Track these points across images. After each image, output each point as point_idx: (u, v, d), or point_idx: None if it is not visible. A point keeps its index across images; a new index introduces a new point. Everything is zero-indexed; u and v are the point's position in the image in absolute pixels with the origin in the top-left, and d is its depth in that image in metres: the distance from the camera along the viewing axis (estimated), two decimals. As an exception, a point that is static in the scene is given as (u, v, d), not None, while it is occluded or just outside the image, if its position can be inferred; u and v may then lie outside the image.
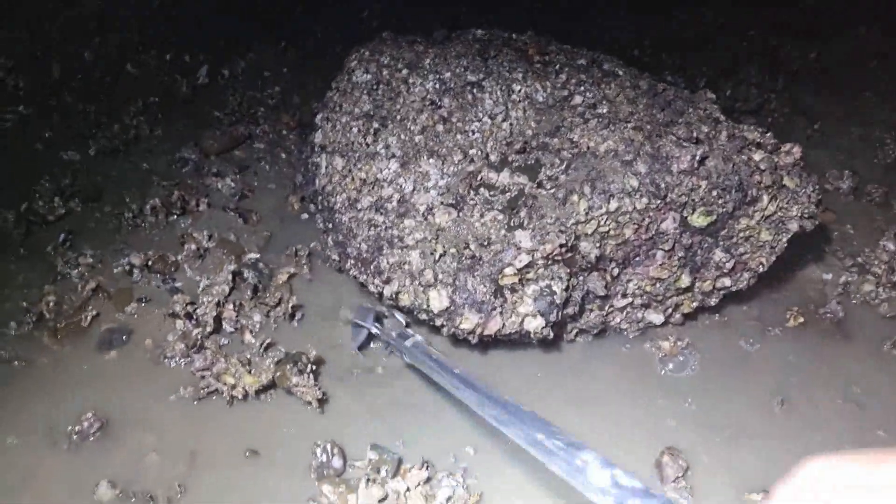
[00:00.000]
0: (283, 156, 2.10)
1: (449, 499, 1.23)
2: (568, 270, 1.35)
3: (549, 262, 1.33)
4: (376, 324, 1.52)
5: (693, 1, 2.84)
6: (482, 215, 1.38)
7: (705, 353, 1.57)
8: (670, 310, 1.57)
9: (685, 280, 1.49)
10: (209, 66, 2.30)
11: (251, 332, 1.53)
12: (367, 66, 1.74)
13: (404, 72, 1.69)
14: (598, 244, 1.37)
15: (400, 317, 1.53)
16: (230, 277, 1.57)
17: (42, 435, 1.30)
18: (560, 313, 1.36)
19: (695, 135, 1.44)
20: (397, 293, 1.40)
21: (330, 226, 1.60)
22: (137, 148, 2.01)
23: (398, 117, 1.61)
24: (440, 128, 1.57)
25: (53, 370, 1.42)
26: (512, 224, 1.35)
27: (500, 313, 1.33)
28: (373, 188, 1.52)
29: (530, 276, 1.33)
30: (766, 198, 1.43)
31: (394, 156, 1.54)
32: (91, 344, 1.48)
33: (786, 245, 1.50)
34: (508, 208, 1.38)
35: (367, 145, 1.59)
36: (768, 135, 1.49)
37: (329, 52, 2.51)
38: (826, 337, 1.64)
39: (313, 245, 1.76)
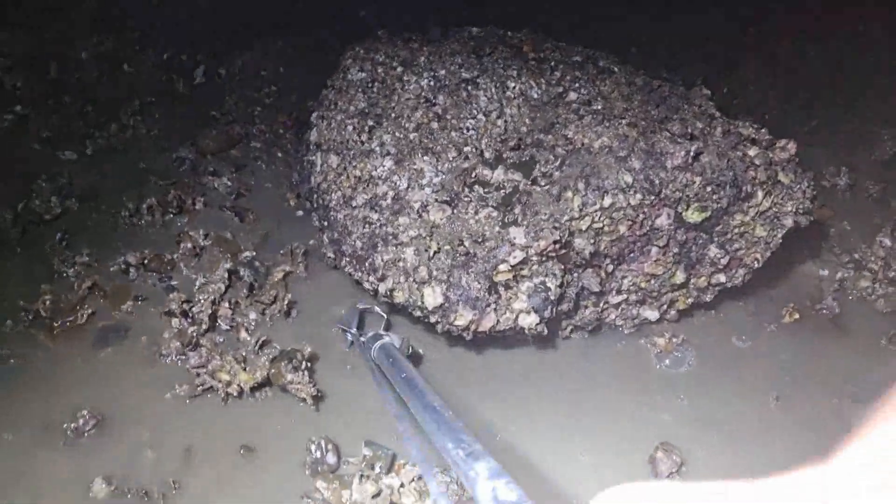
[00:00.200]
0: (280, 155, 2.11)
1: (442, 495, 1.23)
2: (562, 267, 1.35)
3: (544, 259, 1.33)
4: (352, 330, 1.51)
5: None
6: (476, 212, 1.38)
7: (701, 350, 1.57)
8: (665, 306, 1.57)
9: (680, 276, 1.48)
10: (206, 66, 2.30)
11: (246, 329, 1.53)
12: (363, 64, 1.74)
13: (399, 69, 1.70)
14: (592, 240, 1.37)
15: (381, 311, 1.53)
16: (226, 275, 1.57)
17: (38, 432, 1.30)
18: (554, 310, 1.36)
19: (689, 131, 1.44)
20: (392, 290, 1.40)
21: (325, 223, 1.60)
22: (134, 147, 2.01)
23: (393, 115, 1.61)
24: (435, 125, 1.57)
25: (50, 367, 1.43)
26: (506, 221, 1.35)
27: (495, 310, 1.33)
28: (367, 186, 1.52)
29: (525, 272, 1.33)
30: (760, 193, 1.43)
31: (388, 153, 1.54)
32: (87, 341, 1.49)
33: (781, 241, 1.50)
34: (503, 205, 1.38)
35: (362, 143, 1.59)
36: (763, 130, 1.49)
37: (326, 50, 2.51)
38: (822, 333, 1.64)
39: (309, 243, 1.77)
